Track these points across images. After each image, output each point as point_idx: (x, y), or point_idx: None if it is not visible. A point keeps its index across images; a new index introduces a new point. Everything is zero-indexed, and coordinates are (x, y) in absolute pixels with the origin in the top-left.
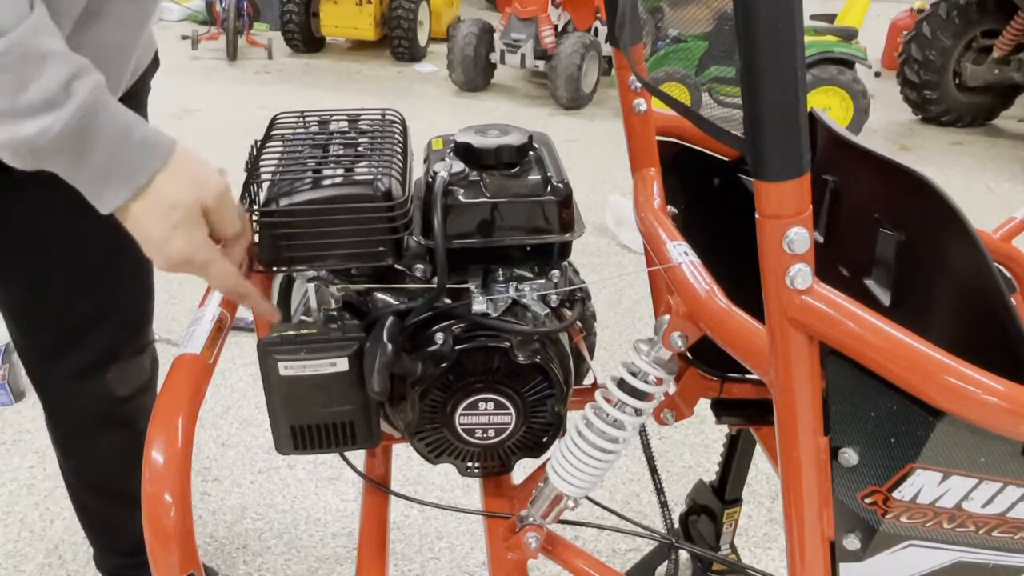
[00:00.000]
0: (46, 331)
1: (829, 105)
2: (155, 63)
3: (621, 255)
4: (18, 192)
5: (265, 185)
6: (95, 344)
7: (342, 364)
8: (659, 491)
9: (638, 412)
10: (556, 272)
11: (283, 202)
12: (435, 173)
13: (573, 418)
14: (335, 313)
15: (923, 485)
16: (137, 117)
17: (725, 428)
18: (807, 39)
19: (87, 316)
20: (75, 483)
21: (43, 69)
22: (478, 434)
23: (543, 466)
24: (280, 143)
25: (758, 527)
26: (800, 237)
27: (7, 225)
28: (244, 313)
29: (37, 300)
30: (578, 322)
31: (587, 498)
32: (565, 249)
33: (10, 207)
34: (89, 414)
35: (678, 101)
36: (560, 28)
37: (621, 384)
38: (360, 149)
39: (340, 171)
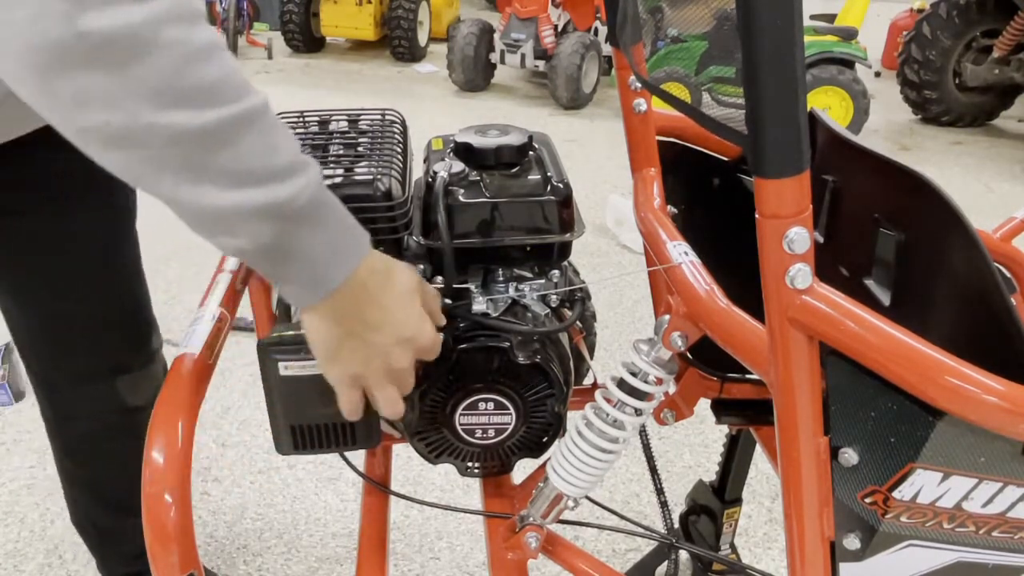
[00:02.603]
0: (42, 334)
1: (829, 105)
2: None
3: (621, 255)
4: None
5: None
6: (96, 348)
7: None
8: (659, 491)
9: (638, 412)
10: (556, 272)
11: None
12: (435, 173)
13: (573, 418)
14: None
15: (923, 485)
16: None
17: (725, 428)
18: (807, 39)
19: (82, 319)
20: (79, 492)
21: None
22: (478, 434)
23: (543, 466)
24: None
25: (758, 527)
26: (800, 237)
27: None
28: (244, 313)
29: (29, 304)
30: (578, 322)
31: (587, 498)
32: (565, 249)
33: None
34: (99, 421)
35: (678, 99)
36: (560, 28)
37: (621, 384)
38: (360, 149)
39: (340, 171)
